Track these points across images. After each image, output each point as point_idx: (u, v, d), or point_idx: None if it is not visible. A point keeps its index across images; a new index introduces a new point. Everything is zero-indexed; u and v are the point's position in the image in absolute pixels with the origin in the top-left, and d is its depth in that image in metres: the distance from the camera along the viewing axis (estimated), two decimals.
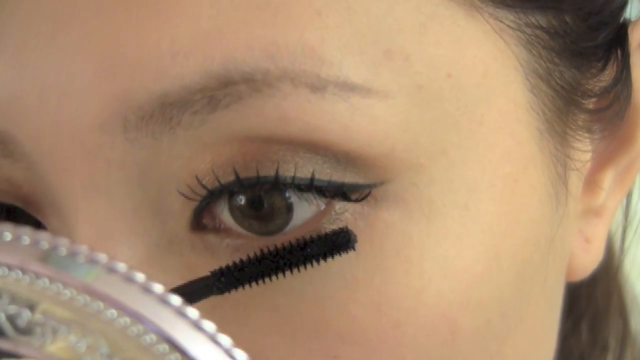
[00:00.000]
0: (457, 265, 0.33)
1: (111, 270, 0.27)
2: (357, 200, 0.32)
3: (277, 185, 0.32)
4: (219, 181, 0.32)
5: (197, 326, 0.27)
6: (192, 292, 0.31)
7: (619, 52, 0.38)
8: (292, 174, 0.31)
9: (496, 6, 0.34)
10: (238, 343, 0.31)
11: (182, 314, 0.27)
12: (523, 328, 0.36)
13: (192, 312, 0.27)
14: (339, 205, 0.32)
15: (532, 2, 0.34)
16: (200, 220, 0.33)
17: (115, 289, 0.27)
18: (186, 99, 0.31)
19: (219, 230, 0.33)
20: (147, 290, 0.27)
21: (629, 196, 0.49)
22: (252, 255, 0.31)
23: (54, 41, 0.31)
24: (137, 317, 0.26)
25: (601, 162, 0.39)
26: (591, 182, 0.39)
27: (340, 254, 0.31)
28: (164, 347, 0.26)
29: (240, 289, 0.31)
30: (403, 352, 0.32)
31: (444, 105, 0.33)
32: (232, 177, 0.32)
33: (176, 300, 0.27)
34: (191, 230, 0.33)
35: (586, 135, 0.38)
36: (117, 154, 0.32)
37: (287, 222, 0.32)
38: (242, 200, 0.32)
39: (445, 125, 0.33)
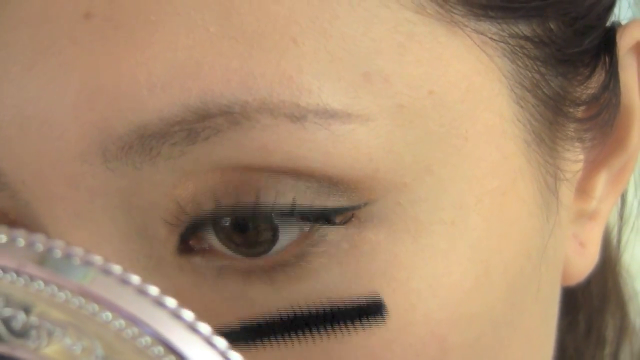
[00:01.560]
0: (446, 282, 0.33)
1: (106, 272, 0.27)
2: (340, 224, 0.32)
3: (259, 212, 0.31)
4: (201, 208, 0.32)
5: (192, 328, 0.27)
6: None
7: (606, 57, 0.38)
8: (272, 200, 0.31)
9: (478, 19, 0.33)
10: None
11: (177, 316, 0.27)
12: (517, 339, 0.35)
13: (188, 314, 0.27)
14: (323, 227, 0.32)
15: (515, 12, 0.34)
16: (187, 243, 0.33)
17: (111, 291, 0.27)
18: (164, 131, 0.30)
19: (206, 252, 0.33)
20: (142, 292, 0.27)
21: (623, 194, 0.49)
22: (284, 316, 0.32)
23: (32, 71, 0.31)
24: (132, 320, 0.26)
25: (593, 167, 0.39)
26: (584, 188, 0.39)
27: (370, 322, 0.31)
28: (159, 349, 0.26)
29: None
30: None
31: (428, 123, 0.32)
32: (213, 205, 0.32)
33: (171, 302, 0.27)
34: (178, 253, 0.33)
35: (577, 144, 0.37)
36: (99, 183, 0.31)
37: (272, 243, 0.32)
38: (227, 222, 0.32)
39: (430, 143, 0.33)
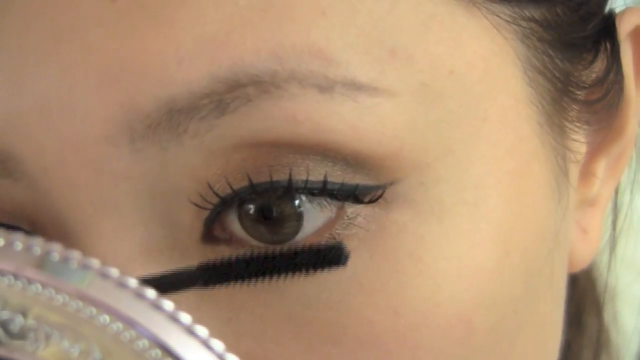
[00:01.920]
0: (470, 264, 0.33)
1: (104, 275, 0.27)
2: (369, 202, 0.32)
3: (290, 189, 0.32)
4: (231, 187, 0.32)
5: (189, 331, 0.27)
6: (176, 282, 0.31)
7: (607, 44, 0.38)
8: (304, 177, 0.31)
9: (492, 1, 0.34)
10: (255, 354, 0.32)
11: (175, 319, 0.27)
12: (532, 324, 0.36)
13: (185, 317, 0.27)
14: (351, 209, 0.32)
15: None
16: (212, 232, 0.33)
17: (108, 294, 0.27)
18: (193, 105, 0.30)
19: (231, 241, 0.33)
20: (139, 295, 0.27)
21: (615, 192, 0.49)
22: (241, 256, 0.31)
23: (54, 55, 0.30)
24: (129, 323, 0.26)
25: (595, 152, 0.39)
26: (586, 173, 0.39)
27: (330, 269, 0.31)
28: (157, 352, 0.26)
29: (259, 292, 0.32)
30: (420, 354, 0.32)
31: (448, 103, 0.33)
32: (244, 183, 0.32)
33: (169, 305, 0.27)
34: (203, 242, 0.32)
35: (583, 126, 0.38)
36: (124, 167, 0.31)
37: (297, 229, 0.32)
38: (251, 209, 0.32)
39: (450, 124, 0.33)
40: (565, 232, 0.38)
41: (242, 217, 0.32)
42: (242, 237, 0.32)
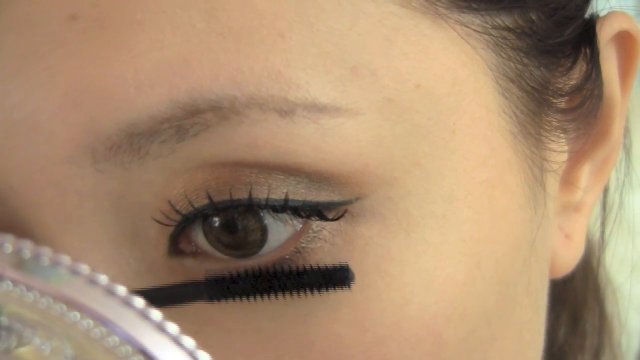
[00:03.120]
0: (439, 276, 0.33)
1: (74, 272, 0.27)
2: (333, 219, 0.32)
3: (252, 207, 0.31)
4: (192, 205, 0.32)
5: (160, 328, 0.27)
6: (181, 295, 0.31)
7: (587, 49, 0.38)
8: (265, 195, 0.31)
9: (461, 11, 0.33)
10: None
11: (145, 316, 0.27)
12: (509, 333, 0.35)
13: (156, 314, 0.27)
14: (316, 223, 0.32)
15: (497, 3, 0.34)
16: (177, 245, 0.33)
17: (79, 291, 0.27)
18: (154, 129, 0.30)
19: (197, 254, 0.33)
20: (110, 292, 0.27)
21: (605, 189, 0.49)
22: (249, 272, 0.31)
23: (18, 76, 0.30)
24: (100, 320, 0.27)
25: (577, 159, 0.39)
26: (568, 179, 0.39)
27: (335, 289, 0.31)
28: (127, 349, 0.27)
29: (227, 307, 0.32)
30: None
31: (415, 117, 0.32)
32: (205, 201, 0.31)
33: (139, 302, 0.27)
34: (169, 256, 0.32)
35: (561, 135, 0.37)
36: (88, 185, 0.31)
37: (262, 244, 0.32)
38: (216, 222, 0.32)
39: (418, 137, 0.33)
40: (544, 240, 0.37)
41: (207, 232, 0.32)
42: (207, 250, 0.32)
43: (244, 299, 0.31)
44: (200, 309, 0.32)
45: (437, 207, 0.33)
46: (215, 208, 0.32)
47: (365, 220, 0.32)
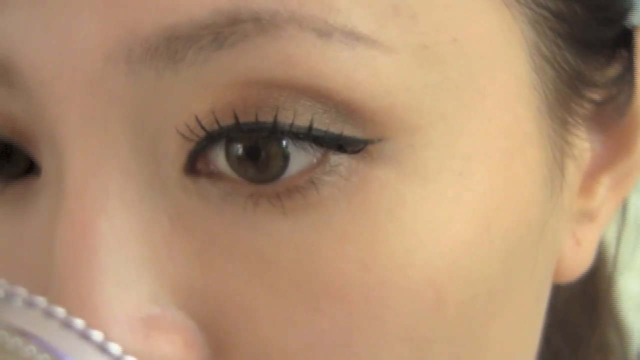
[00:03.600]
0: (448, 230, 0.33)
1: (30, 305, 0.26)
2: (352, 152, 0.32)
3: (275, 131, 0.32)
4: (218, 124, 0.32)
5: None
6: None
7: (623, 54, 0.38)
8: (290, 120, 0.32)
9: None
10: (220, 289, 0.32)
11: (104, 349, 0.27)
12: (509, 314, 0.35)
13: (115, 347, 0.27)
14: (334, 157, 0.32)
15: None
16: (195, 164, 0.33)
17: (35, 324, 0.26)
18: (193, 34, 0.31)
19: (212, 175, 0.33)
20: (67, 325, 0.26)
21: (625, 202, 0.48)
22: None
23: None
24: (56, 354, 0.26)
25: (599, 166, 0.39)
26: (587, 184, 0.39)
27: None
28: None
29: (233, 227, 0.32)
30: (385, 313, 0.32)
31: (447, 70, 0.33)
32: (231, 121, 0.32)
33: (97, 335, 0.27)
34: (184, 173, 0.33)
35: (585, 124, 0.37)
36: (119, 87, 0.31)
37: (282, 171, 0.32)
38: (239, 149, 0.32)
39: (447, 91, 0.33)
40: (555, 232, 0.37)
41: (229, 155, 0.32)
42: (225, 172, 0.33)
43: None
44: (206, 227, 0.32)
45: (456, 163, 0.33)
46: (239, 129, 0.32)
47: (384, 164, 0.32)
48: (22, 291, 0.27)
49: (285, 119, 0.32)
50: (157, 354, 0.31)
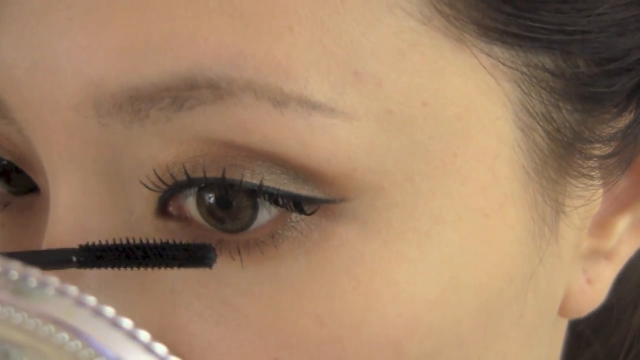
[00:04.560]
0: (408, 290, 0.33)
1: (63, 294, 0.27)
2: (309, 214, 0.32)
3: (224, 186, 0.32)
4: (187, 174, 0.32)
5: (148, 348, 0.27)
6: (53, 261, 0.32)
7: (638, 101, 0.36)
8: (247, 178, 0.32)
9: (491, 42, 0.33)
10: (189, 331, 0.33)
11: (133, 336, 0.27)
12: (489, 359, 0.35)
13: (144, 335, 0.27)
14: (295, 214, 0.32)
15: (534, 42, 0.33)
16: (166, 207, 0.34)
17: (67, 312, 0.27)
18: (154, 95, 0.31)
19: (182, 219, 0.33)
20: (98, 313, 0.27)
21: None
22: (118, 242, 0.32)
23: (44, 19, 0.32)
24: (88, 341, 0.27)
25: (617, 206, 0.38)
26: (603, 224, 0.38)
27: (196, 266, 0.32)
28: None
29: (200, 275, 0.33)
30: None
31: (415, 133, 0.32)
32: (199, 173, 0.32)
33: (127, 323, 0.27)
34: (156, 215, 0.33)
35: (585, 180, 0.36)
36: (92, 134, 0.32)
37: (250, 222, 0.33)
38: (210, 198, 0.33)
39: (415, 153, 0.32)
40: (550, 278, 0.36)
41: (200, 202, 0.33)
42: (195, 217, 0.33)
43: (114, 267, 0.32)
44: (179, 271, 0.33)
45: (422, 224, 0.33)
46: (206, 181, 0.32)
47: (346, 222, 0.32)
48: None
49: (238, 176, 0.32)
50: None
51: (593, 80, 0.35)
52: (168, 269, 0.32)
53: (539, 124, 0.34)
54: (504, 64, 0.33)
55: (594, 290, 0.38)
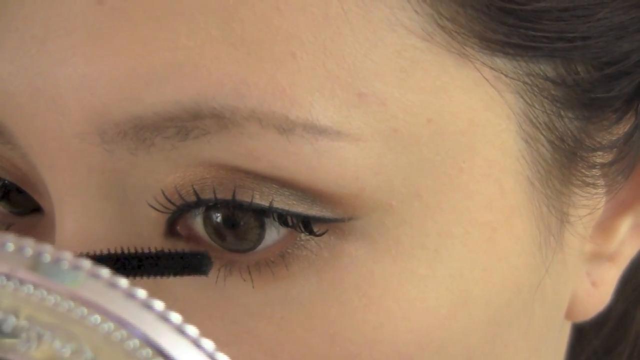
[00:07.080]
0: (419, 307, 0.33)
1: (95, 276, 0.27)
2: (318, 235, 0.32)
3: (234, 207, 0.32)
4: (197, 195, 0.32)
5: (180, 331, 0.27)
6: None
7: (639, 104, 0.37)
8: (256, 200, 0.32)
9: (493, 54, 0.33)
10: None
11: (165, 318, 0.27)
12: None
13: (175, 316, 0.27)
14: (304, 234, 0.33)
15: (536, 51, 0.33)
16: (174, 228, 0.34)
17: (99, 294, 0.27)
18: (158, 125, 0.31)
19: (191, 239, 0.34)
20: (130, 295, 0.27)
21: None
22: (113, 252, 0.32)
23: (45, 47, 0.32)
24: (120, 322, 0.27)
25: (619, 208, 0.38)
26: (606, 227, 0.38)
27: (191, 274, 0.32)
28: (147, 352, 0.27)
29: (211, 293, 0.33)
30: None
31: (422, 150, 0.33)
32: (209, 195, 0.32)
33: (159, 305, 0.27)
34: (165, 237, 0.34)
35: (589, 189, 0.37)
36: (97, 161, 0.32)
37: (258, 242, 0.33)
38: (218, 217, 0.33)
39: (422, 170, 0.33)
40: (556, 286, 0.37)
41: (207, 222, 0.33)
42: (203, 238, 0.33)
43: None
44: (185, 291, 0.33)
45: (430, 240, 0.33)
46: (216, 201, 0.32)
47: (355, 239, 0.33)
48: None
49: (248, 197, 0.32)
50: None
51: (593, 86, 0.35)
52: (164, 277, 0.32)
53: (542, 133, 0.34)
54: (506, 76, 0.33)
55: (599, 292, 0.39)
